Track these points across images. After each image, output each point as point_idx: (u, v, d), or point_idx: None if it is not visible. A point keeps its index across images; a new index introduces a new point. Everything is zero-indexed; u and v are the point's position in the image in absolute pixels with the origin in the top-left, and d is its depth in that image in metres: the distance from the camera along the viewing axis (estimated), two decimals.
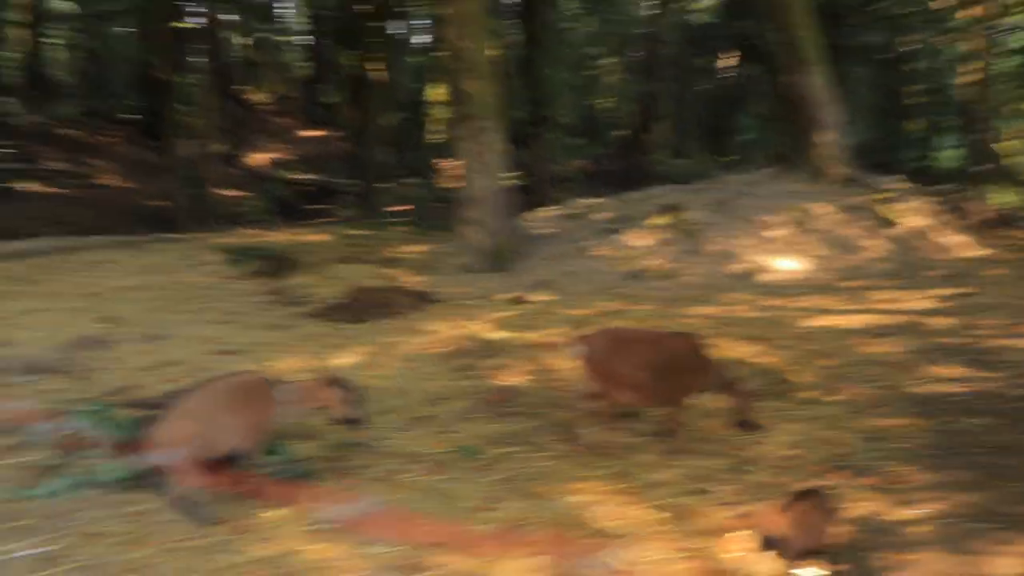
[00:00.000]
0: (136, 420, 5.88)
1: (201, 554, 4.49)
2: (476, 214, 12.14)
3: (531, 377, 7.40)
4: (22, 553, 4.48)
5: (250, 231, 15.39)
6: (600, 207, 14.05)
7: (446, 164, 20.25)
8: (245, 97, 26.32)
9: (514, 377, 7.41)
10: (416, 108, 26.69)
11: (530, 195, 15.71)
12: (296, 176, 21.86)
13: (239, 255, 12.38)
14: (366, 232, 15.50)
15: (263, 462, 5.13)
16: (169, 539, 4.63)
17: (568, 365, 6.81)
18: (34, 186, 20.42)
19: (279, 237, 14.57)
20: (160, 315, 9.39)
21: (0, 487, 5.16)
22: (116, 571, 4.33)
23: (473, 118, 12.16)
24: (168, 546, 4.56)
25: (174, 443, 4.82)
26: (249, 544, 4.58)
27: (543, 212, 14.69)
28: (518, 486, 5.37)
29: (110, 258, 12.56)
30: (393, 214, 17.47)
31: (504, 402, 6.81)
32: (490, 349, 8.02)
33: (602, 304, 9.89)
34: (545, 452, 5.91)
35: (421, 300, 10.11)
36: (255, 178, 21.29)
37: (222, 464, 5.04)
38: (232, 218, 17.24)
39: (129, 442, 5.50)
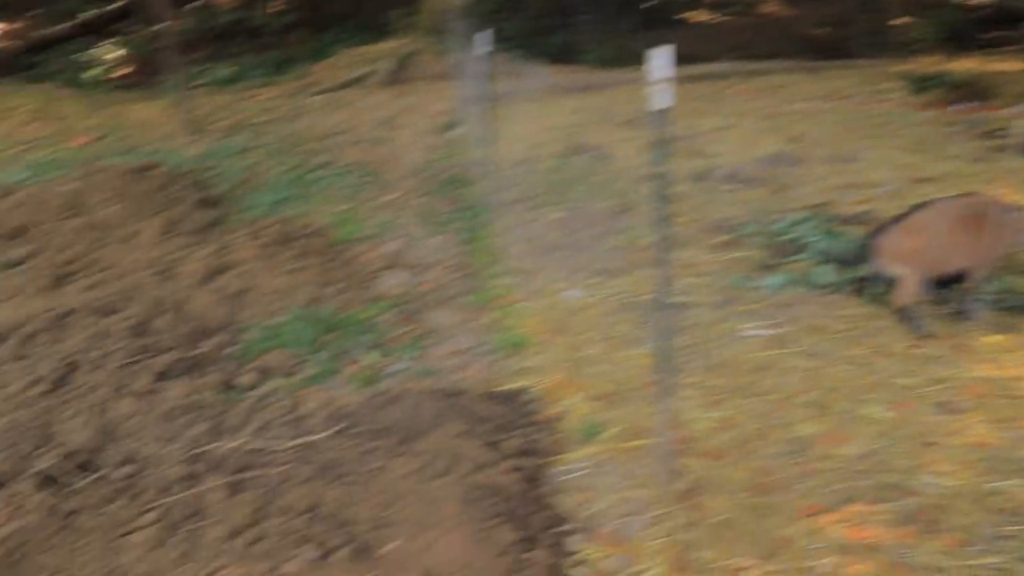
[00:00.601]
0: (845, 232, 6.23)
1: (917, 362, 4.66)
2: None
3: None
4: (754, 332, 5.14)
5: (928, 59, 14.57)
6: None
7: None
8: None
9: None
10: None
11: None
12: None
13: (923, 83, 11.87)
14: None
15: (985, 287, 5.08)
16: (885, 343, 4.88)
17: None
18: (703, 15, 21.86)
19: (962, 66, 13.56)
20: (844, 138, 9.54)
21: (726, 275, 5.92)
22: (835, 361, 4.72)
23: None
24: (884, 349, 4.81)
25: (901, 256, 5.00)
26: (968, 363, 4.61)
27: None
28: None
29: (787, 82, 12.99)
30: None
31: None
32: None
33: None
34: None
35: None
36: (928, 3, 19.83)
37: (945, 282, 5.11)
38: (905, 45, 16.44)
39: (841, 251, 5.86)
